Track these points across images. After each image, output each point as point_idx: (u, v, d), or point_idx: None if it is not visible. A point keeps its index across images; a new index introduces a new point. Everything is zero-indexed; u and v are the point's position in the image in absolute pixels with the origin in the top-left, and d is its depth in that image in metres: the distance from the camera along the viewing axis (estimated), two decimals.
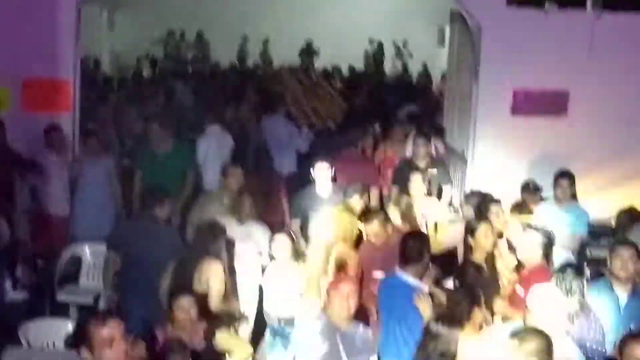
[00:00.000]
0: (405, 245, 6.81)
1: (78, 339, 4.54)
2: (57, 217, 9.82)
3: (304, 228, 8.54)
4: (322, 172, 8.89)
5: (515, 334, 5.18)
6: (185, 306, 6.22)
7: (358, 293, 6.24)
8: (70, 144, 10.24)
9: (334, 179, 9.07)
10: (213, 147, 10.98)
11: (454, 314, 5.58)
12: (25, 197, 9.61)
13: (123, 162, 10.80)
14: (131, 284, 7.73)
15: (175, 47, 23.86)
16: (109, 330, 4.48)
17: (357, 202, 8.58)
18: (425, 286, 6.62)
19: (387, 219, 8.10)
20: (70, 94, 10.25)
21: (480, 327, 6.14)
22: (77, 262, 9.26)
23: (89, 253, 9.22)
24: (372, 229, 7.91)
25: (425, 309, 6.26)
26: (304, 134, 12.97)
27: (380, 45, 23.37)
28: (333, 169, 8.98)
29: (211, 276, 7.04)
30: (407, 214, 8.93)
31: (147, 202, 8.19)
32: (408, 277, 6.61)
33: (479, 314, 6.19)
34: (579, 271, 6.93)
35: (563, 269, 6.72)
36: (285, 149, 12.41)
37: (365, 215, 8.18)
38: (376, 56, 23.43)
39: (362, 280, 7.48)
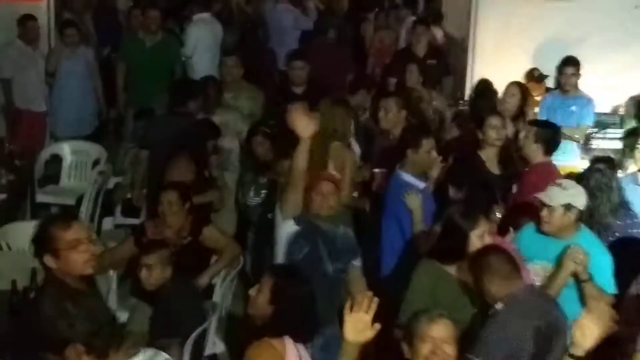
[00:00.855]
0: (403, 139, 6.51)
1: (40, 245, 4.23)
2: (34, 113, 9.38)
3: None
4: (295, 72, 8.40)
5: None
6: (169, 200, 5.99)
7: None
8: (46, 36, 9.65)
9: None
10: (202, 38, 10.31)
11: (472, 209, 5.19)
12: None
13: (104, 54, 10.23)
14: None
15: None
16: (74, 233, 4.21)
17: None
18: (422, 184, 6.33)
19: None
20: None
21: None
22: (57, 161, 8.84)
23: (70, 151, 8.83)
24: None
25: (415, 206, 6.07)
26: (311, 12, 12.27)
27: None
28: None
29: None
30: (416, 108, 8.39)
31: (179, 96, 7.72)
32: (405, 174, 6.32)
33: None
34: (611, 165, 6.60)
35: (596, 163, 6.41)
36: (289, 36, 11.58)
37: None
38: None
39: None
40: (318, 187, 5.49)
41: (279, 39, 11.37)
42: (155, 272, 5.34)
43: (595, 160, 6.58)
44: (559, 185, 5.34)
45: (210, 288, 6.09)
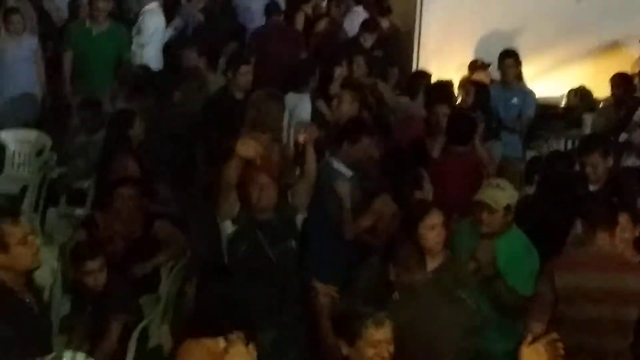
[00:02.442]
0: (345, 128, 6.55)
1: None
2: None
3: None
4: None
5: None
6: (124, 195, 6.00)
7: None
8: None
9: None
10: (159, 27, 10.19)
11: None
12: None
13: (48, 42, 10.07)
14: None
15: None
16: (23, 227, 4.29)
17: None
18: (350, 172, 6.30)
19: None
20: None
21: None
22: (0, 150, 8.73)
23: (13, 140, 8.71)
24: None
25: (344, 192, 6.14)
26: None
27: None
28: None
29: None
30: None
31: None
32: (336, 161, 6.33)
33: None
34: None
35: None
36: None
37: None
38: None
39: None
40: (255, 179, 5.50)
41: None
42: (100, 275, 5.35)
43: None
44: (497, 186, 5.38)
45: (157, 281, 6.10)
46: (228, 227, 5.50)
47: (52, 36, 10.23)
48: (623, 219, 4.95)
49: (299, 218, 5.87)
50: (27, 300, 4.28)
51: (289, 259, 5.59)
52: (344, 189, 6.20)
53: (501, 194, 5.26)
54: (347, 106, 7.42)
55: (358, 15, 10.73)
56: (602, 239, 4.68)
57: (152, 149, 7.33)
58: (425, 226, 4.92)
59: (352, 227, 6.07)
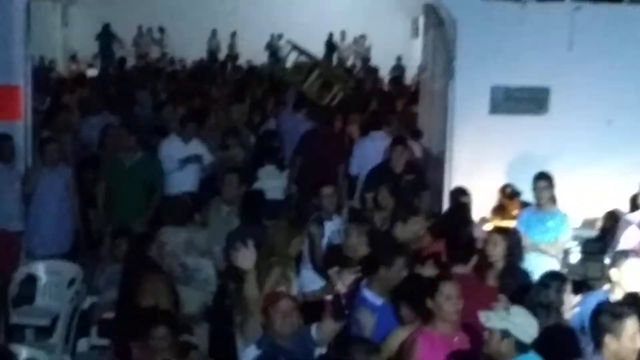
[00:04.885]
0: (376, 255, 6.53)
1: None
2: (9, 232, 9.25)
3: None
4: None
5: None
6: (160, 336, 5.86)
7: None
8: (22, 154, 9.62)
9: None
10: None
11: None
12: None
13: (83, 173, 10.21)
14: None
15: (136, 43, 23.43)
16: None
17: None
18: (378, 300, 6.23)
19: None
20: (21, 100, 9.64)
21: None
22: (32, 281, 8.70)
23: (45, 271, 8.68)
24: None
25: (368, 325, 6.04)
26: None
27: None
28: None
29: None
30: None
31: None
32: (367, 291, 6.30)
33: None
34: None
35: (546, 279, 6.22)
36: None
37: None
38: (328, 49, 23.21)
39: None
40: (277, 306, 5.52)
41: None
42: None
43: (547, 276, 6.44)
44: (507, 309, 5.25)
45: None
46: (252, 352, 5.50)
47: (86, 167, 10.37)
48: None
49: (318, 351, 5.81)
50: None
51: None
52: (368, 319, 6.10)
53: (501, 316, 5.15)
54: (354, 240, 7.32)
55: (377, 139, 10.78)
56: None
57: None
58: None
59: None
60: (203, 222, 8.66)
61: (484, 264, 6.90)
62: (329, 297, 5.83)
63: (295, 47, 18.17)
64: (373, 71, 20.57)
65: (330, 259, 7.30)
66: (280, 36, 23.68)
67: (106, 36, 23.05)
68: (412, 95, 14.63)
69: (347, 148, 11.13)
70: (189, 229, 8.26)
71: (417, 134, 11.22)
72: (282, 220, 7.39)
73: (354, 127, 12.36)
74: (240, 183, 8.97)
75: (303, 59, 17.80)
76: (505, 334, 5.09)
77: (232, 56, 23.74)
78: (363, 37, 23.59)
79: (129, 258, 7.43)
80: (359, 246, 7.25)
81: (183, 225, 8.26)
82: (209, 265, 8.00)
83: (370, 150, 10.47)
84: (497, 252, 6.96)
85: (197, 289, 7.75)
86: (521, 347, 5.11)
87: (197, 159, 10.25)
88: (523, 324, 5.18)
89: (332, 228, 8.17)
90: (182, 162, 10.07)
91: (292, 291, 6.89)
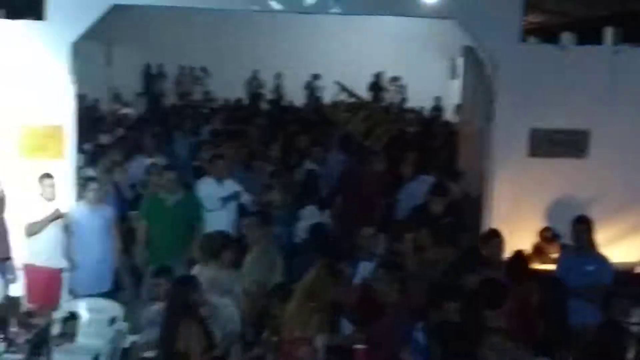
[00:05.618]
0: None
1: None
2: (51, 270, 9.36)
3: None
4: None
5: None
6: None
7: None
8: (64, 192, 9.75)
9: None
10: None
11: None
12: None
13: (125, 212, 10.34)
14: None
15: (178, 82, 23.67)
16: None
17: None
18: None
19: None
20: (64, 140, 9.79)
21: None
22: (73, 319, 8.78)
23: (86, 309, 8.75)
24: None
25: None
26: None
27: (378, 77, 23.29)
28: None
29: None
30: None
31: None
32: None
33: None
34: None
35: None
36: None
37: None
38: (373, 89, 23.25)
39: None
40: (295, 353, 5.53)
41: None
42: None
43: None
44: None
45: None
46: None
47: (131, 206, 10.50)
48: None
49: None
50: None
51: None
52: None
53: None
54: (384, 285, 7.37)
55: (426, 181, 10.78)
56: None
57: None
58: None
59: None
60: (234, 262, 8.65)
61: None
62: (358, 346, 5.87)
63: (344, 89, 18.27)
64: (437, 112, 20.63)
65: (363, 304, 7.38)
66: (317, 76, 23.85)
67: (150, 77, 23.46)
68: (450, 136, 14.64)
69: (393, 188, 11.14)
70: (215, 267, 8.30)
71: (456, 176, 11.21)
72: (321, 264, 7.41)
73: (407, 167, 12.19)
74: (264, 224, 9.00)
75: (346, 98, 17.93)
76: None
77: (277, 98, 23.90)
78: (397, 78, 23.65)
79: (171, 299, 7.47)
80: (391, 292, 7.29)
81: (209, 262, 8.31)
82: (231, 304, 8.03)
83: (418, 193, 10.39)
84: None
85: (219, 329, 7.78)
86: None
87: (236, 196, 10.33)
88: None
89: (368, 269, 8.20)
90: (223, 200, 10.15)
91: (335, 339, 6.86)
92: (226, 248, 8.44)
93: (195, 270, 8.25)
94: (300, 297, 7.01)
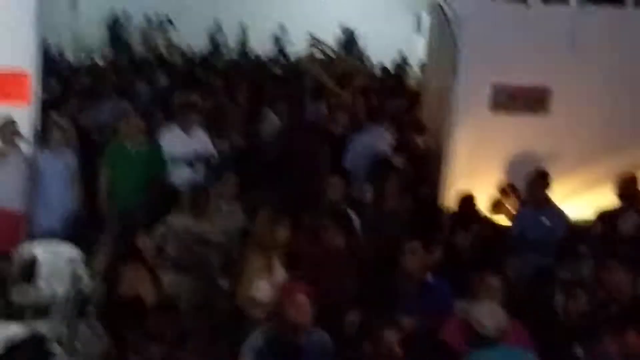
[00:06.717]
0: None
1: None
2: (12, 214, 9.32)
3: None
4: None
5: None
6: None
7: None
8: (28, 137, 9.68)
9: None
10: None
11: None
12: None
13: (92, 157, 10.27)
14: None
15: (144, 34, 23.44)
16: None
17: None
18: None
19: None
20: (28, 85, 9.69)
21: None
22: (32, 261, 8.76)
23: (44, 251, 8.71)
24: None
25: None
26: None
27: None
28: None
29: None
30: None
31: None
32: None
33: None
34: None
35: None
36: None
37: None
38: (346, 45, 23.19)
39: None
40: (291, 299, 5.55)
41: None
42: None
43: None
44: None
45: None
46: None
47: (90, 153, 10.42)
48: None
49: None
50: None
51: None
52: None
53: None
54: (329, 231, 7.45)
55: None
56: None
57: None
58: None
59: None
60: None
61: None
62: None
63: (318, 43, 18.11)
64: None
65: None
66: (284, 28, 23.72)
67: (116, 27, 23.19)
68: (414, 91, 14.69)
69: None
70: (189, 217, 8.32)
71: (421, 130, 11.27)
72: (264, 212, 7.43)
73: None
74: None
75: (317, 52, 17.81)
76: None
77: (242, 49, 23.77)
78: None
79: (117, 242, 7.47)
80: (337, 240, 7.38)
81: (185, 211, 8.33)
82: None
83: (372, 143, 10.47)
84: None
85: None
86: None
87: (207, 158, 10.25)
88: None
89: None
90: (193, 159, 10.12)
91: (276, 281, 6.90)
92: (207, 200, 8.45)
93: (175, 223, 8.18)
94: (251, 245, 7.10)
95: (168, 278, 7.37)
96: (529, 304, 6.80)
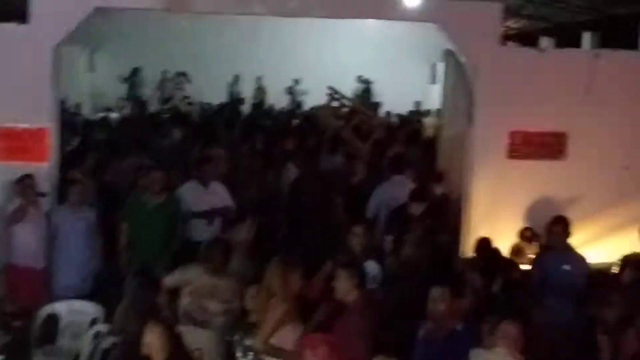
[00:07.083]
0: None
1: None
2: (32, 271, 9.36)
3: None
4: None
5: None
6: None
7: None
8: (47, 194, 9.75)
9: None
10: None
11: None
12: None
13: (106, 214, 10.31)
14: None
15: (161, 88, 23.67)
16: None
17: None
18: None
19: None
20: (47, 143, 9.79)
21: None
22: (54, 320, 8.79)
23: (67, 311, 8.76)
24: None
25: None
26: None
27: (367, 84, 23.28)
28: None
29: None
30: None
31: None
32: None
33: None
34: None
35: None
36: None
37: None
38: (363, 94, 23.28)
39: None
40: (315, 351, 5.51)
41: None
42: None
43: None
44: None
45: None
46: None
47: (110, 209, 10.46)
48: None
49: None
50: None
51: None
52: None
53: None
54: (341, 284, 7.22)
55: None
56: None
57: None
58: None
59: None
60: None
61: None
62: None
63: (336, 93, 18.19)
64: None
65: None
66: (298, 81, 23.90)
67: (132, 79, 23.45)
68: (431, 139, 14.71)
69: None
70: (213, 275, 8.18)
71: (439, 178, 11.27)
72: (276, 260, 7.39)
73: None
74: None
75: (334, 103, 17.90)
76: None
77: (258, 102, 23.91)
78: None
79: (134, 300, 7.43)
80: (350, 291, 7.18)
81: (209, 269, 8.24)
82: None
83: (392, 193, 10.45)
84: None
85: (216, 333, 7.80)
86: None
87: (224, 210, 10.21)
88: None
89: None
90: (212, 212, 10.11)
91: (295, 330, 6.87)
92: (228, 257, 8.38)
93: (191, 275, 8.17)
94: (263, 294, 7.08)
95: (188, 333, 7.33)
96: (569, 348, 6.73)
